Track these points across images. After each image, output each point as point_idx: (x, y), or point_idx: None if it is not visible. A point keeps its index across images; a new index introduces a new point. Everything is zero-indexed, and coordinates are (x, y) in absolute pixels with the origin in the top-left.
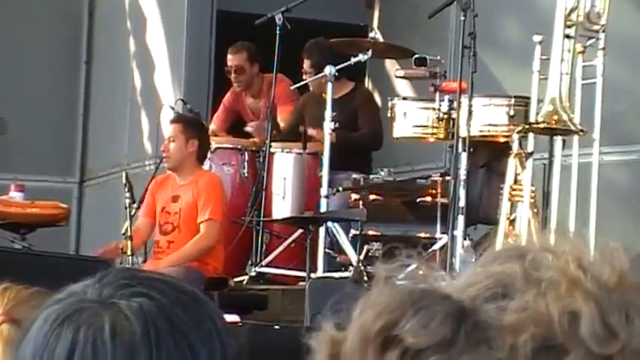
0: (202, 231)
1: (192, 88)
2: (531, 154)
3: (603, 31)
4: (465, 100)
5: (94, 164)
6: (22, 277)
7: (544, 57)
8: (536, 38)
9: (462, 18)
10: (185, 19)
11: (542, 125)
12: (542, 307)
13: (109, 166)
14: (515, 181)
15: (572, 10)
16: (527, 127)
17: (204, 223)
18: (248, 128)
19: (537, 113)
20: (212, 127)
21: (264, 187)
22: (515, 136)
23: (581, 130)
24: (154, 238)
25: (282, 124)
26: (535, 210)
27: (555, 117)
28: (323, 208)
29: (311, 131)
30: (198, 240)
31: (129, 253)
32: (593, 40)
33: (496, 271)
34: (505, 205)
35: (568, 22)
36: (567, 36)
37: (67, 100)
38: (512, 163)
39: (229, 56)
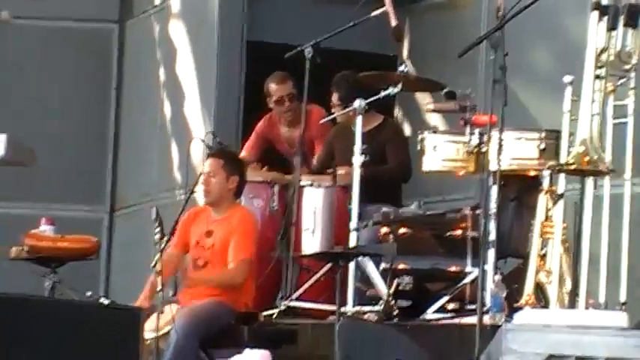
0: (234, 267)
1: (222, 119)
2: (562, 195)
3: (634, 70)
4: (495, 133)
5: (124, 193)
6: (50, 325)
7: (574, 98)
8: (567, 79)
9: (492, 57)
10: (215, 49)
11: (573, 167)
12: None
13: (139, 194)
14: (546, 218)
15: (602, 51)
16: (558, 167)
17: (238, 261)
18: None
19: (568, 152)
20: (242, 154)
21: (293, 220)
22: (546, 172)
23: (612, 170)
24: (186, 273)
25: (314, 160)
26: (566, 245)
27: (586, 158)
28: (353, 242)
29: (340, 170)
30: (231, 273)
31: (159, 287)
32: (624, 80)
33: None
34: (536, 242)
35: (599, 63)
36: (598, 76)
37: (97, 129)
38: (542, 199)
39: (276, 86)
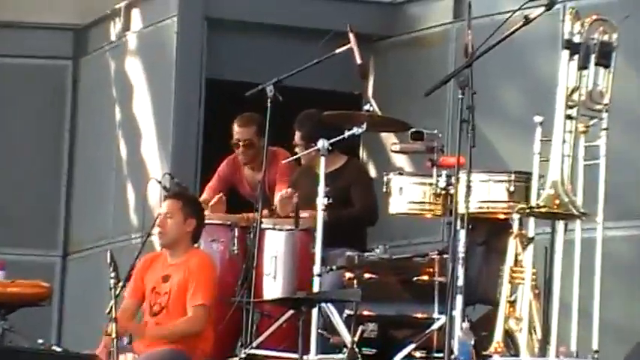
0: (192, 315)
1: (179, 159)
2: (532, 239)
3: (606, 111)
4: (463, 175)
5: (77, 236)
6: None
7: (545, 138)
8: (537, 119)
9: (460, 96)
10: (173, 87)
11: (543, 209)
12: None
13: (94, 238)
14: (516, 263)
15: (573, 90)
16: (527, 211)
17: (195, 307)
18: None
19: (539, 195)
20: (204, 197)
21: (254, 264)
22: (516, 216)
23: (584, 214)
24: (143, 319)
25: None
26: (537, 291)
27: (557, 201)
28: (316, 287)
29: (303, 214)
30: (189, 322)
31: (114, 335)
32: (596, 120)
33: None
34: (505, 287)
35: (570, 103)
36: (569, 117)
37: (50, 169)
38: (512, 243)
39: (237, 129)
